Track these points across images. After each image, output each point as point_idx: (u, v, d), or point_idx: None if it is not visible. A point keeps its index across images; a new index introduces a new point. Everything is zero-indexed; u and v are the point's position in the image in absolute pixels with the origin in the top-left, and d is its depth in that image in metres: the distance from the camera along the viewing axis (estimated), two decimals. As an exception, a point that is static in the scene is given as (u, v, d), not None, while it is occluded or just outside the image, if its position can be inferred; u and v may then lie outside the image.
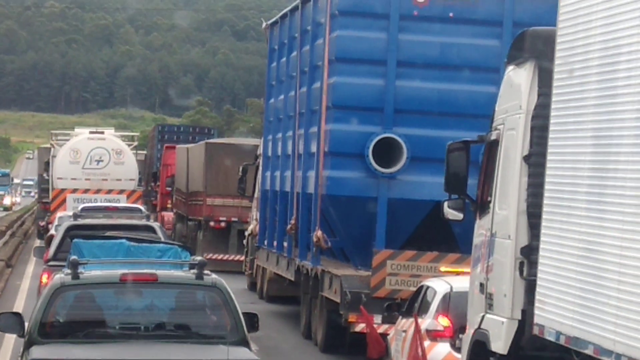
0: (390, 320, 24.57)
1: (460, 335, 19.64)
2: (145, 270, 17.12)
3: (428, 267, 26.26)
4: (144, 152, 77.53)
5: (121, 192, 60.38)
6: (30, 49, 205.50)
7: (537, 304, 15.41)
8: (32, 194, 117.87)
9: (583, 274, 13.65)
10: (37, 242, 56.47)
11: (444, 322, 21.69)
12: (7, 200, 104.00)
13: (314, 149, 30.62)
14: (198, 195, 56.69)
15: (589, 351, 13.30)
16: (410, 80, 28.49)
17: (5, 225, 71.95)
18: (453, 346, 20.90)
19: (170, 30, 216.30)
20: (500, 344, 16.61)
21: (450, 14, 28.10)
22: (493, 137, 18.06)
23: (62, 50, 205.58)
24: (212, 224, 52.83)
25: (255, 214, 43.61)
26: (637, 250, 12.19)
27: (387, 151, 28.18)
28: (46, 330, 15.84)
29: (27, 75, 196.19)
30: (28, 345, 15.67)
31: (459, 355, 20.00)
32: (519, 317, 16.08)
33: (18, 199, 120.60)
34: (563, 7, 15.36)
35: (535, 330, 15.43)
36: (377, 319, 25.81)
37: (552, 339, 14.86)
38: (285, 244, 34.62)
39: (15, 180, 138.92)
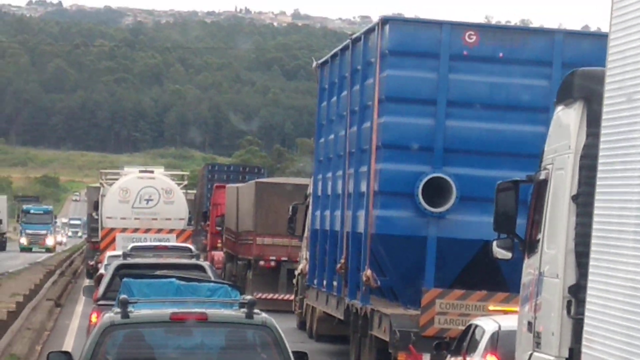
0: (439, 359, 24.66)
1: None
2: (195, 310, 16.92)
3: (477, 306, 26.31)
4: (194, 191, 77.90)
5: (171, 231, 60.41)
6: (80, 88, 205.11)
7: (584, 343, 15.15)
8: (79, 234, 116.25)
9: (630, 313, 13.15)
10: (87, 282, 56.47)
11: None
12: (49, 241, 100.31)
13: (363, 188, 30.61)
14: (248, 234, 56.65)
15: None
16: (460, 120, 28.65)
17: (55, 264, 72.71)
18: None
19: (220, 69, 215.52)
20: None
21: (500, 54, 28.25)
22: (542, 176, 18.17)
23: (111, 89, 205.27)
24: (262, 263, 52.90)
25: (305, 253, 43.57)
26: None
27: (436, 190, 28.25)
28: None
29: (76, 114, 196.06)
30: None
31: None
32: (567, 356, 16.14)
33: (64, 239, 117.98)
34: (612, 48, 14.96)
35: None
36: (426, 357, 26.04)
37: None
38: (334, 283, 34.67)
39: (63, 220, 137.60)
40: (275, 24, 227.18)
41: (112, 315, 16.44)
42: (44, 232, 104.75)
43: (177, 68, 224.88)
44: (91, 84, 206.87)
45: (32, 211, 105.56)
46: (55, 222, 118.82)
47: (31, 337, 36.09)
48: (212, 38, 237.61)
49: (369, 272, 29.15)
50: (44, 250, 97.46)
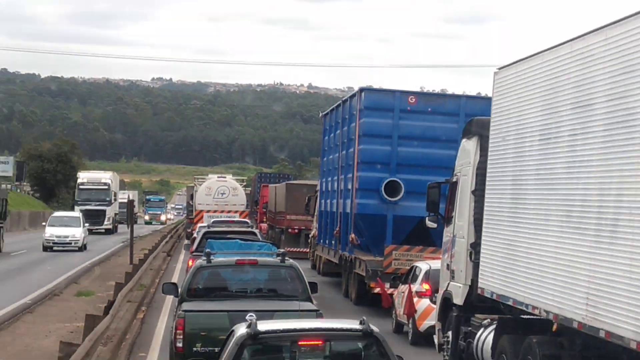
0: (394, 286, 29.39)
1: (436, 294, 23.61)
2: (250, 257, 21.55)
3: (417, 255, 30.62)
4: (249, 188, 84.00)
5: (236, 212, 71.46)
6: (182, 128, 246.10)
7: (480, 276, 18.89)
8: (181, 213, 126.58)
9: (505, 259, 17.48)
10: (186, 242, 61.40)
11: (426, 287, 25.95)
12: (162, 218, 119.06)
13: (350, 186, 35.82)
14: (281, 213, 64.91)
15: (509, 302, 16.95)
16: (405, 147, 33.73)
17: (166, 232, 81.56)
18: (431, 301, 24.60)
19: (265, 118, 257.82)
20: (458, 299, 20.36)
21: (429, 109, 33.64)
22: (454, 179, 21.83)
23: (201, 129, 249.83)
24: (289, 230, 61.34)
25: (315, 224, 50.18)
26: (541, 243, 15.69)
27: (392, 188, 33.37)
28: (191, 293, 19.72)
29: (180, 144, 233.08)
30: (180, 302, 19.64)
31: (434, 306, 23.64)
32: (469, 284, 19.65)
33: (171, 217, 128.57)
34: (494, 106, 19.31)
35: (479, 291, 18.98)
36: (387, 285, 30.41)
37: (488, 296, 18.37)
38: (333, 242, 40.25)
39: (171, 205, 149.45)
40: (297, 91, 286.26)
41: (201, 261, 20.93)
42: (159, 212, 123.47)
43: (239, 117, 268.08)
44: (189, 126, 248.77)
45: (152, 200, 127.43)
46: (166, 207, 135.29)
47: (152, 274, 42.28)
48: (260, 100, 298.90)
49: (353, 235, 34.95)
50: (159, 223, 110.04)
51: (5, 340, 24.76)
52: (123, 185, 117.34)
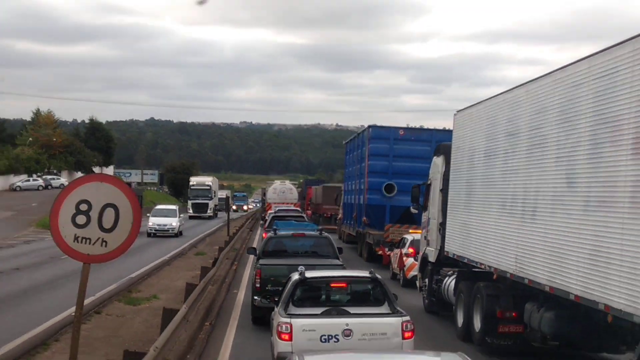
0: (391, 250, 28.10)
1: (417, 255, 22.48)
2: (301, 231, 21.71)
3: (405, 230, 28.82)
4: (299, 189, 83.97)
5: (291, 204, 66.54)
6: (258, 152, 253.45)
7: (445, 243, 18.39)
8: (257, 205, 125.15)
9: (461, 232, 17.16)
10: (261, 222, 61.56)
11: (411, 250, 24.60)
12: (245, 207, 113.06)
13: (362, 187, 34.64)
14: (319, 204, 61.11)
15: (465, 260, 16.60)
16: (397, 162, 32.40)
17: (249, 216, 79.59)
18: (414, 259, 23.11)
19: (310, 144, 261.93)
20: (432, 258, 19.71)
21: (412, 138, 32.59)
22: (428, 182, 20.88)
23: (270, 152, 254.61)
24: (325, 215, 57.94)
25: (340, 211, 46.61)
26: (485, 222, 15.55)
27: (389, 188, 32.35)
28: (264, 254, 19.16)
29: (257, 162, 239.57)
30: (258, 259, 19.34)
31: (416, 262, 22.36)
32: (439, 248, 19.07)
33: (252, 207, 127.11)
34: (454, 135, 18.72)
35: (445, 253, 18.40)
36: (386, 249, 29.29)
37: (451, 256, 17.86)
38: (352, 222, 38.22)
39: (251, 200, 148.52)
40: (329, 128, 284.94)
41: (270, 233, 20.86)
42: (242, 204, 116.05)
43: (293, 145, 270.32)
44: (262, 151, 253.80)
45: (237, 196, 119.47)
46: (247, 200, 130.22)
47: (241, 242, 40.22)
48: (306, 134, 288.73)
49: (365, 218, 33.60)
50: (244, 212, 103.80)
51: (153, 282, 24.91)
52: (222, 187, 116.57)
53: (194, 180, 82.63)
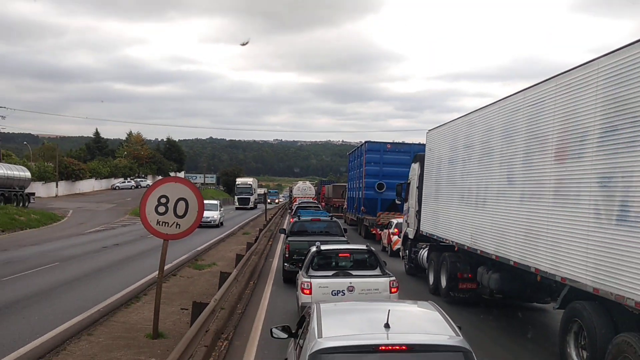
0: (382, 230, 27.85)
1: (400, 234, 22.17)
2: (317, 217, 21.46)
3: (392, 216, 27.67)
4: (316, 187, 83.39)
5: (310, 197, 63.69)
6: (286, 162, 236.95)
7: (421, 225, 18.03)
8: (286, 198, 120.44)
9: (432, 217, 16.86)
10: (289, 211, 60.21)
11: (395, 230, 24.11)
12: (277, 200, 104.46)
13: (360, 186, 33.77)
14: (331, 199, 59.09)
15: (435, 237, 16.31)
16: (386, 167, 31.63)
17: (280, 207, 77.78)
18: (399, 236, 22.78)
19: (323, 155, 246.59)
20: (411, 235, 19.28)
21: (396, 150, 31.73)
22: (408, 182, 20.42)
23: (294, 161, 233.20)
24: (334, 205, 54.50)
25: (345, 203, 45.61)
26: (449, 210, 15.50)
27: (380, 186, 31.69)
28: (291, 233, 18.86)
29: (285, 169, 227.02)
30: (287, 237, 18.96)
31: (399, 239, 22.18)
32: (416, 229, 18.62)
33: (281, 200, 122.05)
34: (427, 148, 18.28)
35: (421, 232, 18.00)
36: (378, 229, 29.08)
37: (425, 234, 17.48)
38: (354, 210, 37.44)
39: (281, 195, 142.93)
40: (337, 143, 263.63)
41: (295, 219, 20.64)
42: (275, 198, 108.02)
43: (311, 156, 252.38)
44: (289, 160, 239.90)
45: (271, 192, 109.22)
46: (279, 195, 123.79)
47: (275, 225, 39.18)
48: (320, 147, 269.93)
49: (363, 207, 32.73)
50: (276, 204, 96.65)
51: (212, 253, 24.43)
52: (260, 186, 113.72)
53: (239, 180, 79.10)
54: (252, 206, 73.22)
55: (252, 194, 74.33)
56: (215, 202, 43.32)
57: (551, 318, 13.06)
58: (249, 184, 75.09)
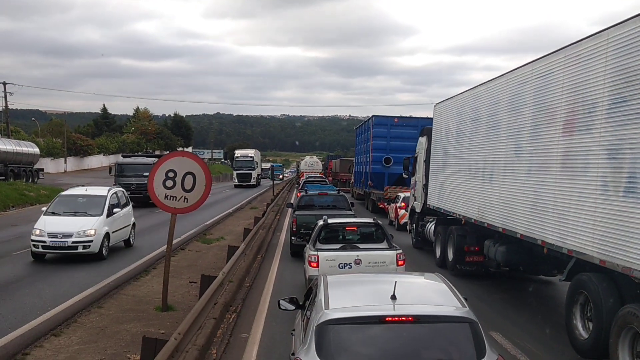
0: (389, 204, 27.95)
1: (407, 208, 22.14)
2: (324, 191, 21.37)
3: (399, 190, 27.66)
4: (323, 162, 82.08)
5: (317, 172, 64.11)
6: (293, 137, 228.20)
7: (428, 198, 18.02)
8: (293, 173, 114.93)
9: (439, 190, 16.77)
10: (296, 186, 59.16)
11: (403, 204, 24.02)
12: (281, 176, 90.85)
13: (368, 160, 33.27)
14: (337, 173, 58.58)
15: (442, 210, 16.21)
16: (393, 141, 31.24)
17: (287, 182, 74.73)
18: (405, 210, 22.83)
19: (331, 130, 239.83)
20: (418, 209, 19.25)
21: (404, 124, 31.17)
22: (415, 156, 20.35)
23: (301, 136, 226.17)
24: (341, 180, 54.28)
25: (352, 177, 44.62)
26: (456, 183, 15.46)
27: (387, 160, 31.20)
28: (298, 207, 18.93)
29: (292, 144, 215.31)
30: (294, 211, 18.88)
31: (407, 212, 22.15)
32: (423, 202, 18.64)
33: (287, 175, 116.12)
34: (434, 121, 18.09)
35: (428, 205, 18.02)
36: (385, 204, 29.00)
37: (432, 207, 17.46)
38: (361, 184, 36.79)
39: (288, 170, 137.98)
40: (344, 118, 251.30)
41: (302, 193, 20.67)
42: (279, 174, 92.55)
43: (318, 131, 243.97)
44: (296, 135, 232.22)
45: (275, 166, 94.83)
46: (283, 171, 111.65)
47: (282, 199, 39.36)
48: (328, 122, 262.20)
49: (370, 182, 32.27)
50: (280, 180, 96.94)
51: (220, 227, 24.56)
52: (267, 161, 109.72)
53: (238, 152, 66.83)
54: (255, 183, 62.73)
55: (254, 169, 63.32)
56: (98, 192, 17.57)
57: (557, 290, 13.12)
58: (251, 157, 63.80)
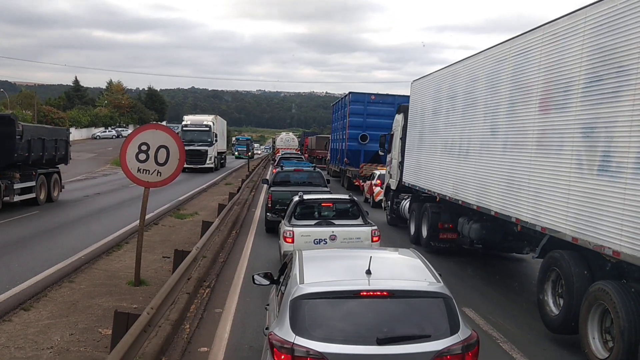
0: (364, 181, 27.77)
1: (383, 185, 22.11)
2: (301, 167, 21.27)
3: (374, 168, 27.60)
4: (299, 138, 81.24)
5: (294, 149, 61.74)
6: (269, 113, 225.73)
7: (403, 176, 17.92)
8: (267, 150, 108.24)
9: (415, 168, 16.72)
10: (272, 162, 57.10)
11: (378, 181, 24.00)
12: (250, 153, 72.19)
13: (344, 137, 33.34)
14: (314, 150, 57.85)
15: (417, 188, 16.21)
16: (369, 119, 31.20)
17: (262, 158, 73.14)
18: (381, 187, 22.74)
19: (307, 107, 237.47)
20: (394, 186, 19.20)
21: (380, 101, 31.05)
22: (392, 133, 20.15)
23: (277, 112, 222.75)
24: (317, 157, 53.96)
25: (328, 154, 44.73)
26: (431, 160, 15.44)
27: (363, 137, 31.23)
28: (274, 183, 18.66)
29: (268, 120, 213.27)
30: (269, 187, 18.58)
31: (382, 190, 22.10)
32: (399, 180, 18.52)
33: (259, 152, 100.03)
34: (411, 99, 18.01)
35: (403, 183, 17.93)
36: (361, 181, 28.98)
37: (407, 185, 17.39)
38: (337, 162, 36.97)
39: (263, 147, 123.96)
40: (321, 95, 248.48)
41: (278, 169, 20.35)
42: (243, 149, 76.61)
43: (295, 107, 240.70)
44: (272, 111, 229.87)
45: (240, 140, 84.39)
46: (254, 147, 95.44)
47: (257, 175, 38.85)
48: (304, 99, 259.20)
49: (346, 159, 32.34)
50: (246, 157, 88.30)
51: (195, 202, 24.41)
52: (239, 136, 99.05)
53: (187, 119, 45.91)
54: (212, 165, 43.98)
55: (210, 144, 43.61)
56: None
57: (529, 268, 13.35)
58: (206, 126, 43.93)
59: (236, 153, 77.66)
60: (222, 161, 50.08)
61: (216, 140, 44.81)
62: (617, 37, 7.29)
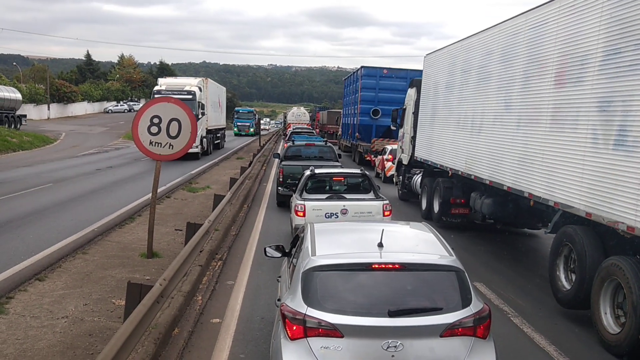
0: (376, 156, 27.85)
1: (394, 160, 22.23)
2: (312, 142, 20.95)
3: (386, 142, 27.76)
4: (310, 113, 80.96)
5: (305, 124, 62.70)
6: (281, 87, 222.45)
7: (415, 151, 17.87)
8: (279, 125, 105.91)
9: (427, 143, 16.61)
10: (283, 137, 57.61)
11: (390, 156, 24.05)
12: (251, 131, 65.37)
13: (356, 112, 33.43)
14: (325, 125, 58.08)
15: (429, 163, 16.06)
16: (381, 93, 31.24)
17: (274, 133, 74.51)
18: (392, 162, 22.97)
19: (319, 82, 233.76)
20: (405, 161, 19.13)
21: (393, 75, 30.98)
22: (404, 107, 19.93)
23: (289, 87, 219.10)
24: (329, 132, 54.07)
25: (340, 129, 45.10)
26: (444, 135, 15.31)
27: (375, 112, 31.36)
28: (285, 157, 18.69)
29: (280, 94, 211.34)
30: (280, 161, 18.73)
31: (393, 165, 22.31)
32: (411, 155, 18.38)
33: (267, 128, 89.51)
34: (424, 73, 17.89)
35: (415, 158, 17.77)
36: (372, 156, 29.17)
37: (419, 160, 17.20)
38: (348, 137, 37.30)
39: (274, 122, 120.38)
40: (332, 70, 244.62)
41: (290, 143, 20.48)
42: (247, 124, 66.45)
43: (306, 82, 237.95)
44: (284, 86, 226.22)
45: (240, 112, 72.11)
46: (251, 123, 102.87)
47: (268, 150, 39.15)
48: (316, 73, 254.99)
49: (357, 134, 32.53)
50: (248, 134, 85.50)
51: (207, 176, 24.47)
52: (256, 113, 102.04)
53: (162, 82, 32.45)
54: (197, 150, 31.15)
55: (197, 118, 28.38)
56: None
57: (541, 243, 13.33)
58: (187, 92, 30.41)
59: (235, 129, 66.72)
60: (217, 141, 39.35)
61: (203, 113, 32.24)
62: (636, 8, 7.10)
